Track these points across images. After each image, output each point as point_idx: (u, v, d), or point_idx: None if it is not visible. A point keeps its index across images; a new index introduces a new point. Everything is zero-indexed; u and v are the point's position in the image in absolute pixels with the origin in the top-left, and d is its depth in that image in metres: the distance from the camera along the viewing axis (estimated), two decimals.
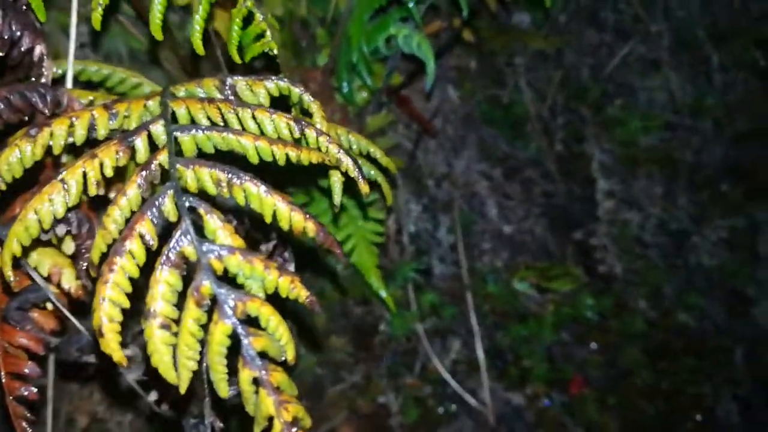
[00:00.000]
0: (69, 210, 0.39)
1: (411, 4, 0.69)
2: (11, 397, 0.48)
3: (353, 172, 0.44)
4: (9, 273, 0.39)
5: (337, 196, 0.49)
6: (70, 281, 0.47)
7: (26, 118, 0.45)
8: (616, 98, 1.15)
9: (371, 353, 0.99)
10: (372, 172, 0.60)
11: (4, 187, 0.42)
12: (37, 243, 0.42)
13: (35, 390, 0.48)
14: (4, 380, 0.48)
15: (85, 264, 0.46)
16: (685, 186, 1.17)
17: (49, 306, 0.50)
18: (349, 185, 0.53)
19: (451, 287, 1.02)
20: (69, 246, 0.51)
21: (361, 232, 0.78)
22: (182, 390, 0.34)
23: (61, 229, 0.44)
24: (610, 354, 1.04)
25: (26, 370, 0.48)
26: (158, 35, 0.51)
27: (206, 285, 0.35)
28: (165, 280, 0.35)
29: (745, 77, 1.23)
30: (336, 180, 0.49)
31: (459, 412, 0.99)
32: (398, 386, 0.99)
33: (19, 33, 0.44)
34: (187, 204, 0.37)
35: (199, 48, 0.50)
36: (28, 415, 0.47)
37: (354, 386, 0.97)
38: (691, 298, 1.14)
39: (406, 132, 1.11)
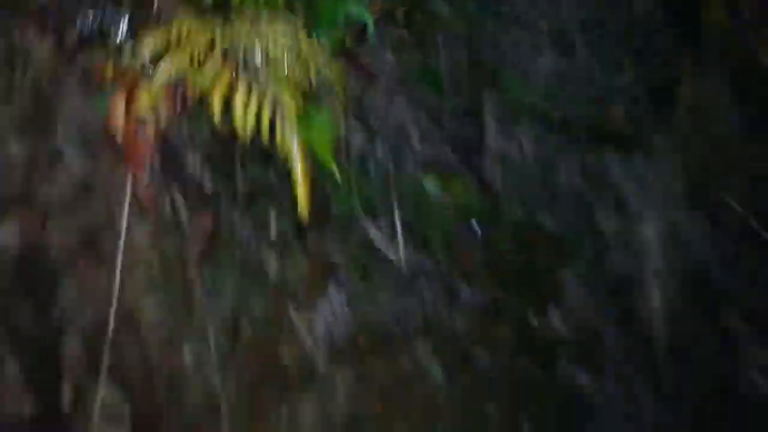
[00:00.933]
0: None
1: None
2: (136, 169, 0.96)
3: (320, 64, 0.93)
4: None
5: (312, 72, 0.97)
6: None
7: None
8: (507, 71, 1.65)
9: (326, 224, 1.48)
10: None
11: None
12: None
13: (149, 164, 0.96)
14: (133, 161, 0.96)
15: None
16: (552, 131, 1.68)
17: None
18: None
19: (380, 184, 1.52)
20: None
21: (319, 125, 1.27)
22: (250, 133, 0.82)
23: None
24: (486, 234, 1.55)
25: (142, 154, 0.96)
26: None
27: (261, 90, 0.84)
28: (241, 91, 0.83)
29: (601, 58, 1.74)
30: (312, 66, 0.97)
31: (382, 265, 1.49)
32: (341, 245, 1.48)
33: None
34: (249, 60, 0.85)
35: None
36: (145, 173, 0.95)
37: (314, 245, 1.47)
38: (552, 207, 1.65)
39: (355, 83, 1.60)
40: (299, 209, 0.88)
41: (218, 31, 0.88)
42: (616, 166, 1.72)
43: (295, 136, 0.83)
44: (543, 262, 1.62)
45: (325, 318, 1.43)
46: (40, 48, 1.11)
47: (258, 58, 0.87)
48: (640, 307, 1.58)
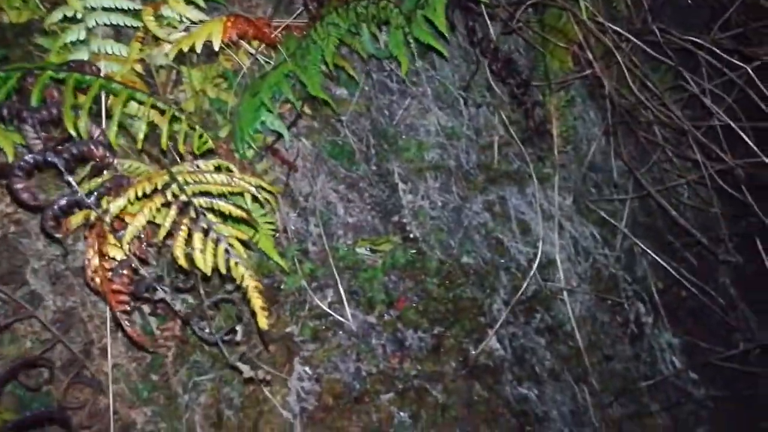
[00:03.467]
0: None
1: (270, 109, 1.38)
2: (118, 312, 1.10)
3: (254, 193, 1.11)
4: (127, 250, 1.03)
5: (248, 202, 1.15)
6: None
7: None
8: (404, 134, 1.89)
9: (278, 303, 1.65)
10: (266, 196, 1.27)
11: (112, 218, 1.05)
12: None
13: (128, 307, 1.10)
14: (113, 304, 1.10)
15: (145, 244, 1.09)
16: (453, 180, 1.93)
17: (126, 272, 1.13)
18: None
19: (321, 258, 1.71)
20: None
21: (262, 230, 1.45)
22: (208, 273, 0.99)
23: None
24: (418, 282, 1.77)
25: (121, 298, 1.11)
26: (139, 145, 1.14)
27: (214, 235, 1.00)
28: (198, 237, 1.00)
29: (483, 111, 2.03)
30: (248, 197, 1.15)
31: (335, 330, 1.67)
32: (297, 320, 1.65)
33: (107, 155, 1.07)
34: (200, 211, 1.02)
35: (164, 146, 1.15)
36: (127, 317, 1.09)
37: (270, 324, 1.63)
38: (467, 246, 1.90)
39: (281, 170, 1.79)
40: (258, 319, 1.05)
41: (169, 187, 1.04)
42: (514, 198, 2.00)
43: (244, 264, 1.00)
44: (470, 296, 1.86)
45: (296, 389, 1.59)
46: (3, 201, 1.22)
47: (204, 203, 1.03)
48: (562, 318, 1.85)
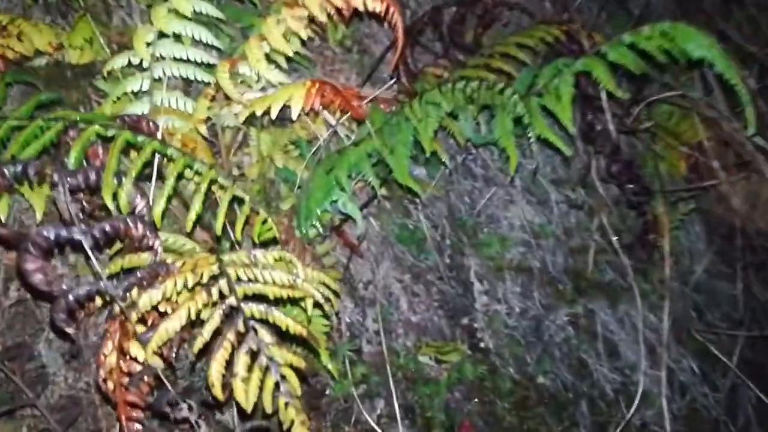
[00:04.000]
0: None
1: (345, 189, 1.17)
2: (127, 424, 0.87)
3: (320, 300, 0.89)
4: (150, 359, 0.81)
5: (309, 310, 0.93)
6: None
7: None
8: (485, 226, 1.66)
9: (320, 411, 1.40)
10: (328, 295, 1.05)
11: (139, 315, 0.84)
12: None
13: (141, 427, 0.88)
14: (123, 422, 0.88)
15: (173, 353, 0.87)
16: (536, 285, 1.68)
17: (145, 379, 0.91)
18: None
19: (376, 361, 1.46)
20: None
21: (315, 326, 1.22)
22: (249, 410, 0.76)
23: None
24: (486, 403, 1.50)
25: (134, 414, 0.88)
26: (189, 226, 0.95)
27: (264, 361, 0.78)
28: (243, 360, 0.78)
29: (576, 211, 1.78)
30: (309, 302, 0.93)
31: None
32: None
33: (148, 234, 0.87)
34: (251, 323, 0.80)
35: (219, 231, 0.95)
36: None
37: None
38: (545, 364, 1.62)
39: (342, 251, 1.57)
40: None
41: (217, 282, 0.83)
42: (603, 313, 1.73)
43: (297, 406, 0.77)
44: (541, 422, 1.57)
45: None
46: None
47: (257, 314, 0.81)
48: None
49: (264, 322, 0.80)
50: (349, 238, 1.50)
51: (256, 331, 0.81)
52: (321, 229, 1.34)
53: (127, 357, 0.87)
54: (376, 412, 1.43)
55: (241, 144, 1.44)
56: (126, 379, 0.86)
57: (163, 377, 0.85)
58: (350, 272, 1.55)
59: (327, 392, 1.41)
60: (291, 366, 0.80)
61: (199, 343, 0.79)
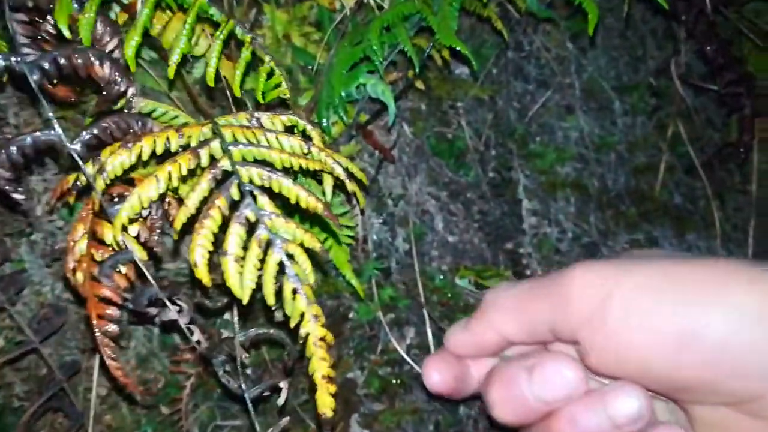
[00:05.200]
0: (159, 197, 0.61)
1: (377, 62, 0.94)
2: (99, 333, 0.69)
3: (342, 176, 0.68)
4: (119, 236, 0.61)
5: (328, 195, 0.72)
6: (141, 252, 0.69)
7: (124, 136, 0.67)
8: (537, 136, 1.43)
9: (342, 337, 1.21)
10: (353, 188, 0.84)
11: (108, 182, 0.64)
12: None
13: (116, 327, 0.69)
14: (94, 321, 0.69)
15: (155, 235, 0.68)
16: (593, 207, 1.45)
17: (123, 270, 0.71)
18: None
19: (406, 284, 1.26)
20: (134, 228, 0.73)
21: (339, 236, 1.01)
22: (245, 300, 0.57)
23: (144, 212, 0.66)
24: None
25: (109, 311, 0.69)
26: (171, 76, 0.74)
27: (264, 234, 0.58)
28: (236, 233, 0.58)
29: (642, 121, 1.54)
30: (328, 183, 0.72)
31: (413, 386, 1.22)
32: (363, 365, 1.21)
33: (118, 78, 0.67)
34: (247, 188, 0.60)
35: (238, 92, 0.74)
36: (112, 344, 0.68)
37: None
38: None
39: (370, 160, 1.36)
40: (318, 397, 0.62)
41: (207, 144, 0.62)
42: (667, 243, 1.49)
43: (308, 296, 0.57)
44: None
45: None
46: None
47: (257, 178, 0.60)
48: None
49: (266, 191, 0.60)
50: (378, 140, 1.28)
51: (254, 197, 0.60)
52: (346, 123, 1.12)
53: (100, 243, 0.68)
54: (406, 342, 1.23)
55: (253, 24, 1.22)
56: (96, 270, 0.66)
57: (143, 267, 0.66)
58: (378, 184, 1.34)
59: (350, 316, 1.22)
60: (301, 245, 0.59)
61: (182, 216, 0.58)
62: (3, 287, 0.89)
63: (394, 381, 1.20)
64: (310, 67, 1.16)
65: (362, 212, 1.19)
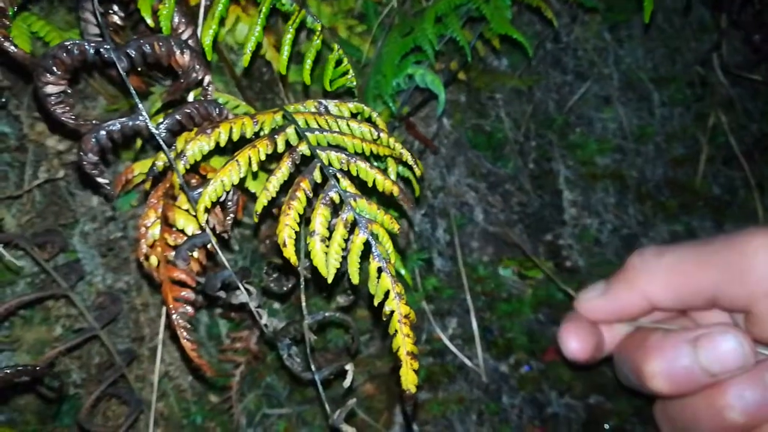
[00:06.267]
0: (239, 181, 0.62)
1: (429, 52, 0.95)
2: (175, 314, 0.70)
3: (411, 161, 0.69)
4: (202, 220, 0.62)
5: (393, 175, 0.73)
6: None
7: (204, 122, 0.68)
8: (576, 126, 1.43)
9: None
10: (410, 175, 0.85)
11: (188, 167, 0.65)
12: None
13: (191, 309, 0.70)
14: (170, 304, 0.70)
15: (231, 218, 0.68)
16: (633, 198, 1.45)
17: (195, 254, 0.72)
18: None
19: (449, 274, 1.27)
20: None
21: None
22: (330, 279, 0.58)
23: (223, 196, 0.67)
24: None
25: (183, 294, 0.70)
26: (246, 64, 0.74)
27: (350, 214, 0.59)
28: (322, 214, 0.59)
29: (680, 112, 1.53)
30: (392, 169, 0.73)
31: (456, 376, 1.22)
32: None
33: (196, 66, 0.68)
34: (330, 171, 0.61)
35: (307, 79, 0.75)
36: (188, 326, 0.69)
37: (371, 354, 1.20)
38: None
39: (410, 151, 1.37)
40: (404, 379, 0.62)
41: (283, 131, 0.62)
42: (705, 234, 1.49)
43: (393, 275, 0.57)
44: None
45: None
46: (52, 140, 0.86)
47: (336, 161, 0.61)
48: None
49: (346, 174, 0.60)
50: (420, 132, 1.29)
51: (337, 179, 0.61)
52: (393, 113, 1.13)
53: (173, 228, 0.69)
54: (448, 332, 1.24)
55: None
56: (172, 254, 0.67)
57: (218, 251, 0.67)
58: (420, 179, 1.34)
59: None
60: (383, 227, 0.60)
61: (263, 200, 0.59)
62: (64, 275, 0.91)
63: (438, 370, 1.21)
64: (355, 59, 1.17)
65: (417, 201, 1.19)
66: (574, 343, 0.74)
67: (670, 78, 1.49)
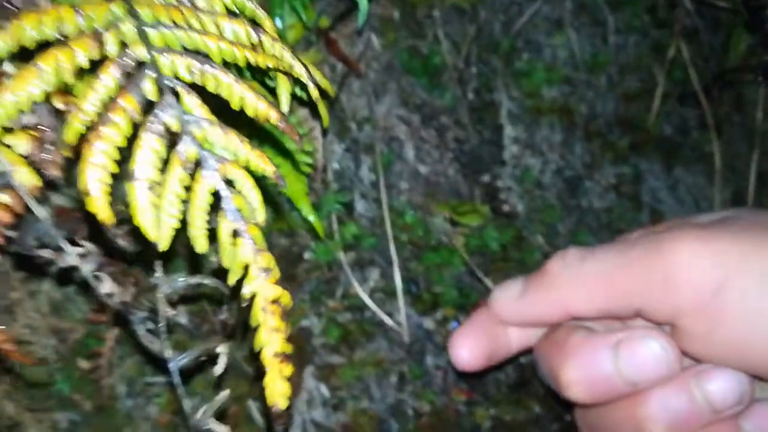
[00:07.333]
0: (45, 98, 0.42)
1: None
2: None
3: (304, 78, 0.50)
4: None
5: (284, 105, 0.54)
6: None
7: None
8: (524, 52, 1.25)
9: (296, 280, 1.05)
10: (315, 96, 0.65)
11: None
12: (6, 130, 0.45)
13: None
14: None
15: (47, 152, 0.49)
16: (580, 135, 1.31)
17: (4, 200, 0.52)
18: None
19: (372, 220, 1.10)
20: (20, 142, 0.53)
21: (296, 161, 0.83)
22: (163, 246, 0.39)
23: (29, 119, 0.47)
24: (509, 279, 1.16)
25: None
26: None
27: (193, 150, 0.40)
28: (150, 147, 0.40)
29: (635, 40, 1.38)
30: (283, 89, 0.54)
31: (376, 334, 1.08)
32: (320, 311, 1.06)
33: None
34: (167, 83, 0.41)
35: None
36: None
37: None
38: (582, 235, 1.28)
39: (331, 75, 1.16)
40: (268, 383, 0.46)
41: (115, 27, 0.42)
42: (653, 178, 1.37)
43: (254, 243, 0.40)
44: None
45: (302, 419, 1.01)
46: None
47: (185, 69, 0.41)
48: None
49: (197, 89, 0.41)
50: (342, 51, 1.09)
51: (177, 95, 0.41)
52: (307, 26, 0.92)
53: None
54: (369, 285, 1.08)
55: None
56: None
57: (24, 195, 0.47)
58: (341, 105, 1.15)
59: (306, 257, 1.05)
60: (246, 168, 0.42)
61: (75, 124, 0.39)
62: None
63: (355, 329, 1.06)
64: None
65: (324, 134, 1.01)
66: (464, 353, 0.71)
67: (627, 1, 1.33)
